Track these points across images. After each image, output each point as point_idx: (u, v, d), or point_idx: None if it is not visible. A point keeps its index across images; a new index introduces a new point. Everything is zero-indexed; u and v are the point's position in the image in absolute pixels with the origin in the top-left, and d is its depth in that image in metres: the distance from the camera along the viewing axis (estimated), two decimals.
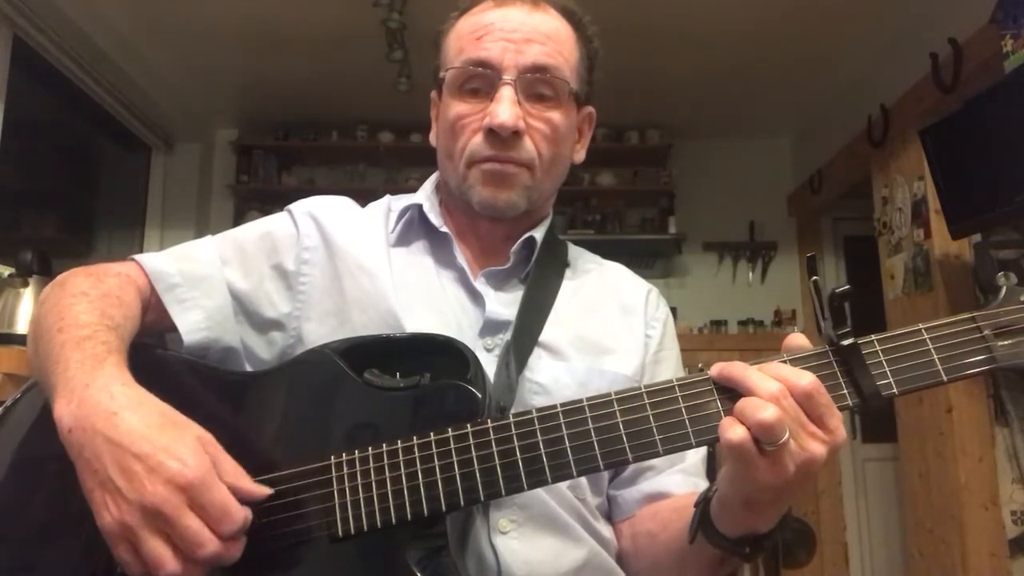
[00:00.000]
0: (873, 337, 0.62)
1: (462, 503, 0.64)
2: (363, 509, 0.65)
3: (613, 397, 0.64)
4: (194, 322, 0.81)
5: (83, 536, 0.65)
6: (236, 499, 0.60)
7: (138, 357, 0.69)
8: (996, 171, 2.36)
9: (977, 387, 2.68)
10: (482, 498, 0.64)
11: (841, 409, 0.60)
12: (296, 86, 3.69)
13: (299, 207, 0.91)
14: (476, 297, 0.85)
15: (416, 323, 0.80)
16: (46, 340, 0.69)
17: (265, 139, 4.14)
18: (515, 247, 0.88)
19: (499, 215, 0.86)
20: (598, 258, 1.01)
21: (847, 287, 0.60)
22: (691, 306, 4.14)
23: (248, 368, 0.84)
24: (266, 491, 0.63)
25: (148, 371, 0.67)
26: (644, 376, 0.88)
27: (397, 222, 0.90)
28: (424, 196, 0.92)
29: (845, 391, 0.61)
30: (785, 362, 0.62)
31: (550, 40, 0.84)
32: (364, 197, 0.98)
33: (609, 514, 0.87)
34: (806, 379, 0.59)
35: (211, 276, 0.84)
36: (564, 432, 0.63)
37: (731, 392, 0.61)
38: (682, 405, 0.63)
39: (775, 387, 0.58)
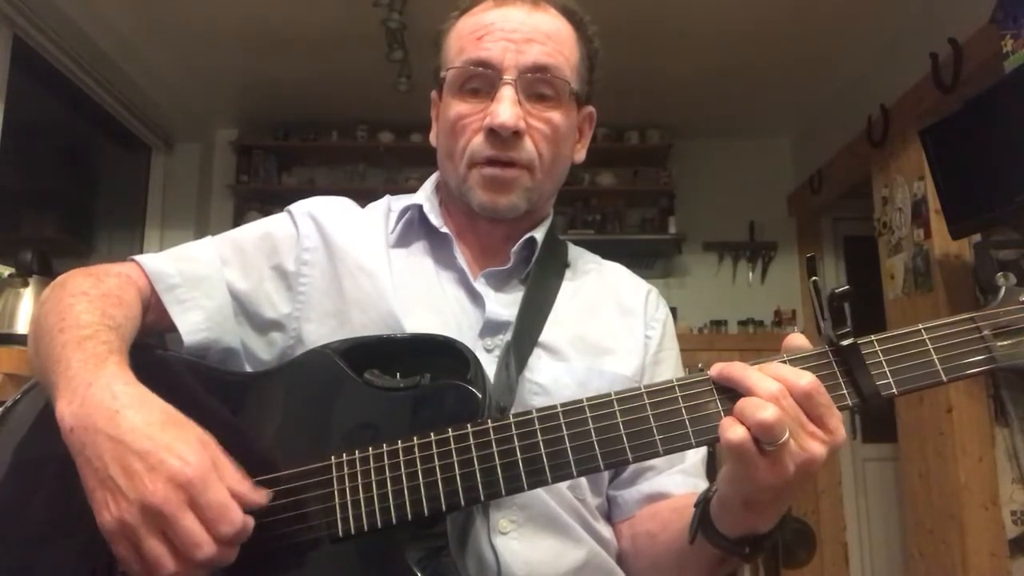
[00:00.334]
0: (873, 337, 0.62)
1: (462, 503, 0.64)
2: (363, 509, 0.65)
3: (613, 397, 0.64)
4: (194, 322, 0.81)
5: (83, 536, 0.65)
6: (238, 499, 0.60)
7: (139, 357, 0.69)
8: (996, 171, 2.36)
9: (977, 387, 2.68)
10: (482, 498, 0.64)
11: (841, 409, 0.60)
12: (296, 86, 3.69)
13: (299, 208, 0.91)
14: (476, 298, 0.85)
15: (416, 324, 0.80)
16: (47, 340, 0.69)
17: (265, 139, 4.14)
18: (515, 247, 0.88)
19: (499, 217, 0.86)
20: (598, 258, 1.01)
21: (847, 287, 0.60)
22: (691, 306, 4.14)
23: (248, 369, 0.84)
24: (264, 499, 0.63)
25: (149, 371, 0.67)
26: (644, 377, 0.88)
27: (397, 222, 0.90)
28: (424, 196, 0.92)
29: (845, 391, 0.61)
30: (785, 362, 0.62)
31: (551, 40, 0.84)
32: (364, 197, 0.98)
33: (609, 515, 0.87)
34: (806, 379, 0.59)
35: (211, 276, 0.84)
36: (564, 432, 0.64)
37: (731, 392, 0.61)
38: (682, 405, 0.63)
39: (775, 387, 0.58)
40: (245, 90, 3.80)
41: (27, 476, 0.73)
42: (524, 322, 0.83)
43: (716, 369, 0.63)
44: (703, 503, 0.69)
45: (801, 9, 2.95)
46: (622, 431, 0.63)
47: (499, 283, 0.88)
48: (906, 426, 3.05)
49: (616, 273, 0.99)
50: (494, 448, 0.64)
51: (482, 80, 0.83)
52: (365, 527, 0.65)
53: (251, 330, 0.85)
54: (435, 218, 0.89)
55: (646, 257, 4.16)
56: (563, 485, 0.79)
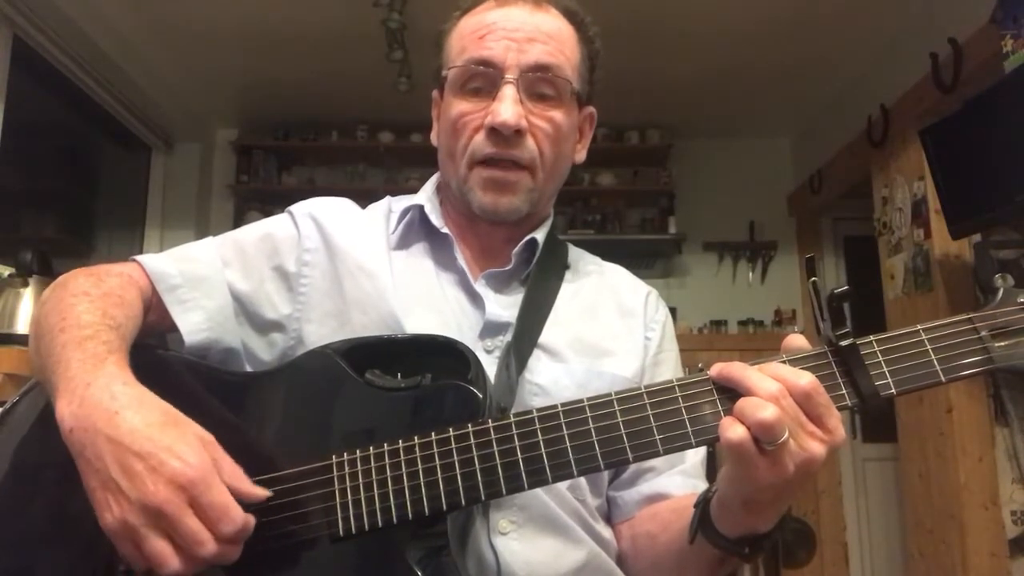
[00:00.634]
0: (872, 338, 0.62)
1: (463, 502, 0.64)
2: (364, 508, 0.65)
3: (613, 397, 0.64)
4: (195, 323, 0.81)
5: (83, 536, 0.66)
6: (238, 497, 0.61)
7: (139, 357, 0.70)
8: (996, 171, 2.36)
9: (977, 387, 2.68)
10: (483, 497, 0.64)
11: (840, 409, 0.61)
12: (296, 86, 3.69)
13: (300, 208, 0.91)
14: (476, 299, 0.85)
15: (416, 324, 0.80)
16: (48, 340, 0.69)
17: (265, 139, 4.14)
18: (516, 249, 0.88)
19: (500, 220, 0.86)
20: (598, 260, 1.01)
21: (846, 288, 0.60)
22: (691, 306, 4.14)
23: (248, 369, 0.84)
24: (264, 494, 0.63)
25: (150, 371, 0.67)
26: (644, 378, 0.88)
27: (398, 223, 0.90)
28: (425, 197, 0.92)
29: (844, 391, 0.62)
30: (784, 362, 0.62)
31: (552, 39, 0.84)
32: (364, 197, 0.98)
33: (609, 515, 0.87)
34: (805, 379, 0.59)
35: (212, 277, 0.84)
36: (565, 432, 0.64)
37: (731, 392, 0.61)
38: (682, 405, 0.63)
39: (774, 387, 0.58)
40: (245, 90, 3.80)
41: (27, 477, 0.73)
42: (524, 323, 0.83)
43: (716, 369, 0.63)
44: (703, 503, 0.69)
45: (801, 9, 2.95)
46: (622, 431, 0.63)
47: (499, 284, 0.88)
48: (906, 426, 3.05)
49: (616, 274, 0.99)
50: (495, 448, 0.64)
51: (484, 79, 0.83)
52: (366, 526, 0.65)
53: (252, 331, 0.85)
54: (436, 219, 0.89)
55: (646, 257, 4.16)
56: (563, 486, 0.79)
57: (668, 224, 4.06)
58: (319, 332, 0.82)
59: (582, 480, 0.82)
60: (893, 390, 0.61)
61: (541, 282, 0.89)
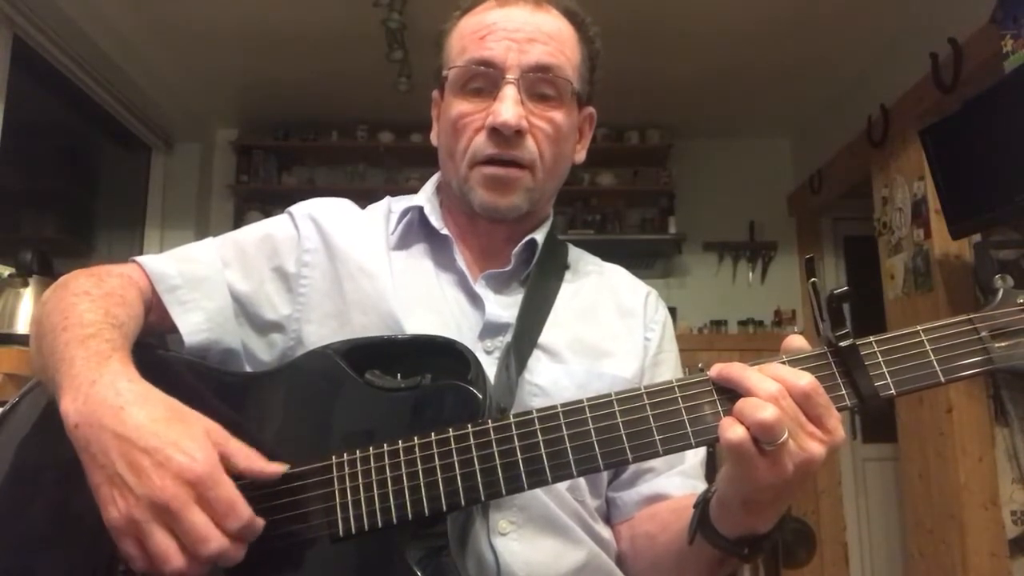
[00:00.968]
0: (871, 338, 0.62)
1: (463, 503, 0.64)
2: (364, 509, 0.65)
3: (613, 397, 0.64)
4: (195, 323, 0.81)
5: (83, 536, 0.66)
6: (253, 477, 0.61)
7: (140, 357, 0.70)
8: (996, 171, 2.36)
9: (977, 387, 2.68)
10: (483, 498, 0.64)
11: (840, 410, 0.61)
12: (296, 86, 3.69)
13: (300, 209, 0.91)
14: (475, 300, 0.85)
15: (416, 325, 0.80)
16: (50, 339, 0.69)
17: (265, 139, 4.13)
18: (516, 249, 0.88)
19: (500, 218, 0.86)
20: (598, 260, 1.01)
21: (845, 288, 0.60)
22: (691, 306, 4.14)
23: (248, 369, 0.84)
24: (281, 469, 0.64)
25: (150, 371, 0.67)
26: (643, 379, 0.88)
27: (397, 224, 0.90)
28: (425, 198, 0.92)
29: (843, 392, 0.62)
30: (784, 363, 0.62)
31: (552, 40, 0.84)
32: (364, 197, 0.98)
33: (608, 516, 0.87)
34: (804, 379, 0.59)
35: (212, 278, 0.84)
36: (564, 432, 0.64)
37: (730, 393, 0.61)
38: (682, 406, 0.63)
39: (774, 387, 0.58)
40: (245, 90, 3.80)
41: (27, 477, 0.73)
42: (524, 324, 0.83)
43: (715, 370, 0.63)
44: (702, 504, 0.69)
45: (801, 9, 2.95)
46: (622, 431, 0.63)
47: (499, 285, 0.88)
48: (906, 426, 3.05)
49: (616, 275, 0.99)
50: (494, 448, 0.64)
51: (484, 79, 0.83)
52: (366, 527, 0.65)
53: (252, 331, 0.85)
54: (435, 220, 0.89)
55: (646, 257, 4.16)
56: (562, 487, 0.79)
57: (668, 224, 4.06)
58: (319, 333, 0.82)
59: (581, 481, 0.82)
60: (893, 391, 0.61)
61: (541, 283, 0.89)
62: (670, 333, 0.95)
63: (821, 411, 0.59)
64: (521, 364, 0.80)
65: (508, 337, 0.82)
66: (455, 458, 0.65)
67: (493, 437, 0.65)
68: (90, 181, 3.72)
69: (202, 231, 3.93)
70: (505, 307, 0.85)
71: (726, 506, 0.65)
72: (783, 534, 0.67)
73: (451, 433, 0.65)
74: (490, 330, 0.83)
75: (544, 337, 0.84)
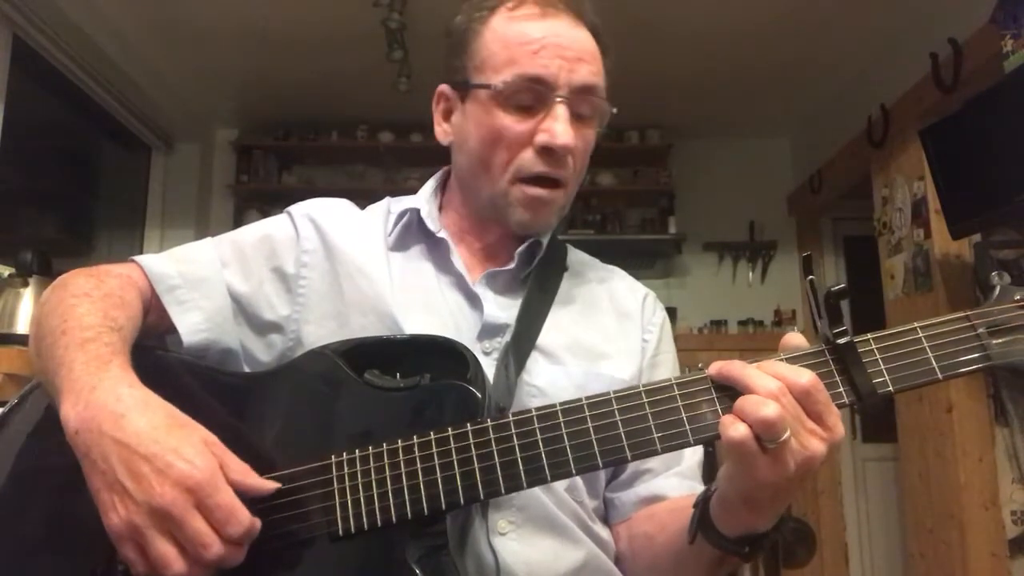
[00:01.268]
0: (869, 336, 0.62)
1: (462, 501, 0.64)
2: (363, 508, 0.65)
3: (612, 396, 0.64)
4: (194, 323, 0.81)
5: (82, 539, 0.66)
6: (244, 494, 0.61)
7: (139, 359, 0.70)
8: (996, 171, 2.36)
9: (977, 387, 2.68)
10: (482, 496, 0.64)
11: (838, 407, 0.61)
12: (296, 86, 3.69)
13: (298, 209, 0.91)
14: (474, 301, 0.85)
15: (414, 326, 0.80)
16: (49, 341, 0.69)
17: (265, 139, 4.14)
18: (521, 249, 0.88)
19: (531, 234, 0.87)
20: (597, 262, 1.01)
21: (842, 286, 0.60)
22: (691, 306, 4.14)
23: (247, 370, 0.84)
24: (273, 486, 0.64)
25: (149, 373, 0.67)
26: (641, 380, 0.88)
27: (395, 225, 0.90)
28: (423, 200, 0.91)
29: (841, 389, 0.62)
30: (782, 361, 0.62)
31: (595, 60, 0.84)
32: (364, 197, 0.98)
33: (606, 517, 0.87)
34: (805, 376, 0.59)
35: (210, 278, 0.84)
36: (563, 431, 0.64)
37: (729, 391, 0.62)
38: (680, 404, 0.63)
39: (774, 385, 0.58)
40: (245, 90, 3.80)
41: (28, 480, 0.73)
42: (522, 325, 0.83)
43: (715, 368, 0.63)
44: (702, 503, 0.69)
45: (801, 9, 2.95)
46: (621, 430, 0.63)
47: (499, 284, 0.88)
48: (906, 426, 3.05)
49: (614, 277, 0.99)
50: (493, 447, 0.65)
51: (533, 95, 0.82)
52: (365, 526, 0.65)
53: (250, 331, 0.85)
54: (432, 223, 0.89)
55: (646, 257, 4.15)
56: (561, 487, 0.79)
57: (668, 224, 4.06)
58: (318, 333, 0.82)
59: (579, 481, 0.82)
60: (890, 388, 0.61)
61: (540, 283, 0.89)
62: (668, 335, 0.95)
63: (821, 408, 0.59)
64: (520, 365, 0.80)
65: (507, 338, 0.82)
66: (454, 457, 0.65)
67: (492, 436, 0.65)
68: (90, 181, 3.72)
69: (202, 231, 3.93)
70: (503, 308, 0.85)
71: (727, 505, 0.65)
72: (783, 534, 0.67)
73: (450, 432, 0.65)
74: (488, 331, 0.83)
75: (542, 339, 0.84)
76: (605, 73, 0.87)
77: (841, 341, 0.61)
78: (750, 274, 4.29)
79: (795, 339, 0.64)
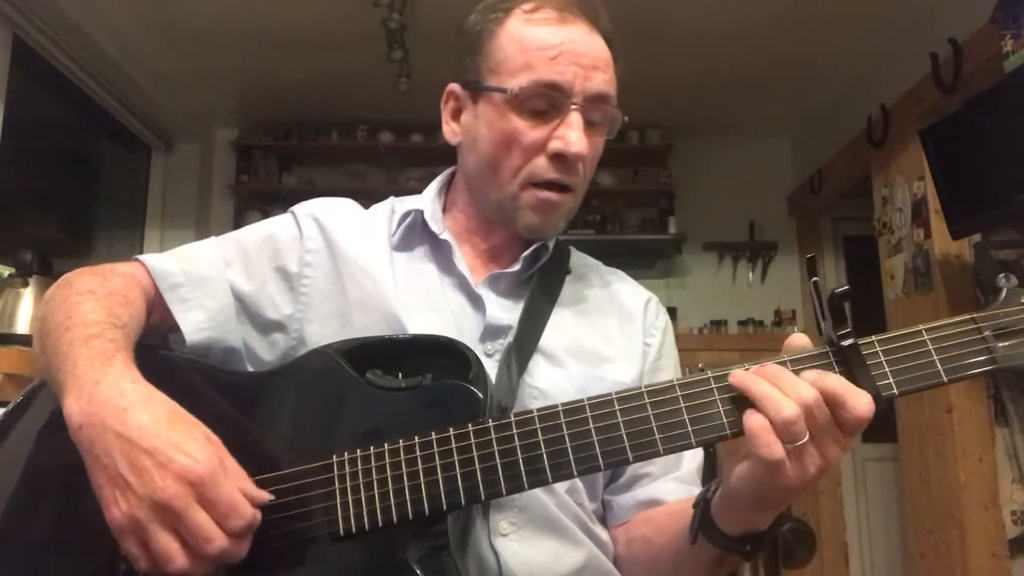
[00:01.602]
0: (873, 338, 0.62)
1: (463, 502, 0.64)
2: (364, 508, 0.65)
3: (614, 397, 0.64)
4: (196, 322, 0.81)
5: (85, 536, 0.66)
6: None
7: (142, 357, 0.70)
8: (996, 171, 2.36)
9: (977, 387, 2.68)
10: (483, 497, 0.64)
11: None
12: (296, 86, 3.69)
13: (302, 209, 0.91)
14: (477, 302, 0.85)
15: (417, 326, 0.80)
16: (53, 338, 0.69)
17: (265, 139, 4.13)
18: (526, 252, 0.88)
19: (541, 239, 0.87)
20: (600, 264, 1.01)
21: (846, 287, 0.60)
22: (691, 306, 4.14)
23: (249, 369, 0.84)
24: (267, 497, 0.64)
25: (153, 371, 0.67)
26: (643, 384, 0.88)
27: (398, 225, 0.90)
28: (427, 201, 0.91)
29: None
30: (785, 363, 0.62)
31: (609, 68, 0.84)
32: (364, 197, 0.97)
33: (604, 519, 0.87)
34: (831, 380, 0.59)
35: (213, 277, 0.84)
36: (565, 432, 0.64)
37: (731, 392, 0.62)
38: (682, 405, 0.63)
39: (811, 395, 0.58)
40: (245, 90, 3.80)
41: (32, 476, 0.73)
42: (525, 326, 0.83)
43: (741, 377, 0.62)
44: (703, 503, 0.69)
45: (801, 9, 2.95)
46: (623, 431, 0.63)
47: (502, 286, 0.88)
48: (906, 426, 3.05)
49: (617, 280, 0.99)
50: (495, 447, 0.64)
51: (547, 101, 0.81)
52: (366, 525, 0.65)
53: (253, 330, 0.85)
54: (435, 225, 0.89)
55: (646, 257, 4.15)
56: (562, 489, 0.79)
57: (668, 224, 4.06)
58: (321, 332, 0.82)
59: (579, 483, 0.82)
60: (895, 390, 0.61)
61: (543, 286, 0.89)
62: (670, 339, 0.95)
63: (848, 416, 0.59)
64: (522, 366, 0.80)
65: (509, 339, 0.82)
66: (455, 457, 0.65)
67: (494, 436, 0.65)
68: (90, 181, 3.72)
69: (202, 231, 3.93)
70: (506, 310, 0.85)
71: (733, 504, 0.65)
72: (783, 532, 0.67)
73: (452, 432, 0.65)
74: (491, 332, 0.83)
75: (544, 341, 0.84)
76: (616, 80, 0.87)
77: (845, 343, 0.61)
78: (750, 274, 4.29)
79: (799, 340, 0.64)
